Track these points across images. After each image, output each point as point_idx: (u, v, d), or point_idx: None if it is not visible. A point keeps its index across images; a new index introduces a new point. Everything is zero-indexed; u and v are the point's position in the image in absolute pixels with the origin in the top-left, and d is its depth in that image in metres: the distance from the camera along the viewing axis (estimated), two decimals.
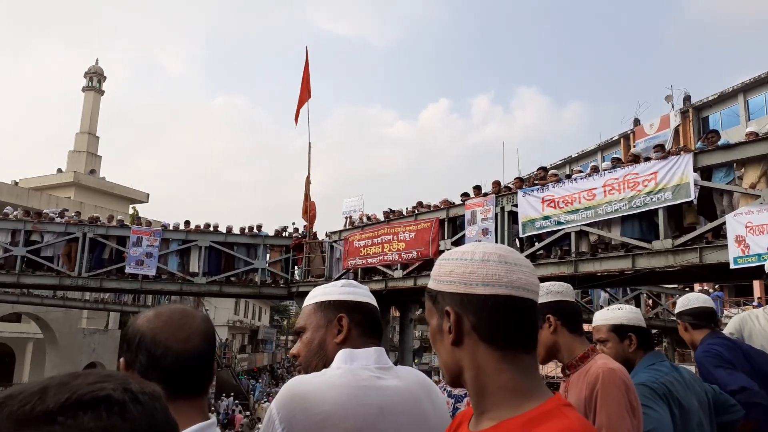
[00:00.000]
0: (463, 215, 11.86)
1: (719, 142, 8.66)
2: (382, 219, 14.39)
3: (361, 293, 1.50)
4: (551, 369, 17.78)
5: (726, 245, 7.91)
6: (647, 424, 1.88)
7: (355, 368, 1.32)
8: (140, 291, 18.48)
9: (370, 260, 13.66)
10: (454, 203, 12.52)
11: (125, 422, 0.50)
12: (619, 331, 2.24)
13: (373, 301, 1.51)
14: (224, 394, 26.20)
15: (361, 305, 1.46)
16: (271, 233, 16.22)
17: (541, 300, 1.94)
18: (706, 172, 8.71)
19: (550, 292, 2.01)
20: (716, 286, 18.64)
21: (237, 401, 26.97)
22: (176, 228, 15.98)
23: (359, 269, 14.03)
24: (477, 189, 12.16)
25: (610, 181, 9.45)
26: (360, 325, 1.43)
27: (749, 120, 22.28)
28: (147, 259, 15.19)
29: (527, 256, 10.55)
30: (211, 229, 15.97)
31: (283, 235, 16.29)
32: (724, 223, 8.08)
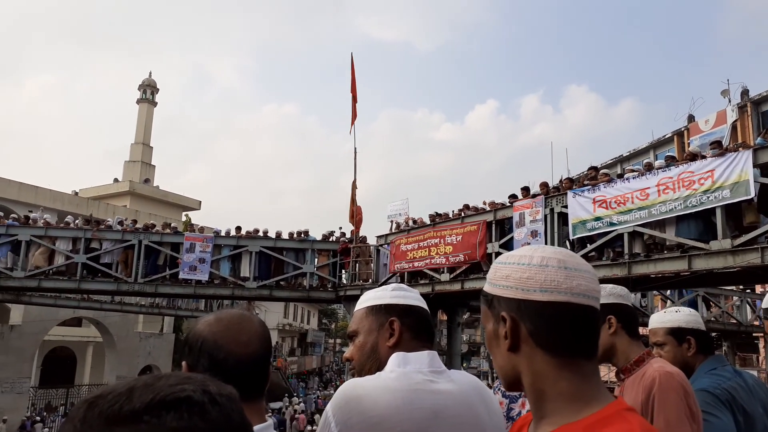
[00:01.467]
0: (511, 217, 11.72)
1: None
2: (428, 222, 14.36)
3: (412, 297, 1.50)
4: (603, 374, 17.32)
5: None
6: (710, 430, 1.82)
7: (409, 371, 1.33)
8: (193, 296, 19.02)
9: (416, 264, 13.65)
10: (502, 205, 12.38)
11: (205, 422, 0.53)
12: (678, 334, 2.18)
13: (423, 304, 1.51)
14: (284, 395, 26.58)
15: (412, 309, 1.47)
16: (319, 238, 16.43)
17: (603, 301, 1.94)
18: (766, 169, 8.34)
19: (612, 294, 1.99)
20: None
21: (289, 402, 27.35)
22: (228, 234, 16.37)
23: (406, 273, 14.03)
24: (525, 190, 11.99)
25: (664, 180, 9.16)
26: (411, 329, 1.43)
27: None
28: (200, 264, 15.61)
29: None
30: (261, 234, 16.28)
31: (330, 239, 16.47)
32: None
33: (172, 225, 17.88)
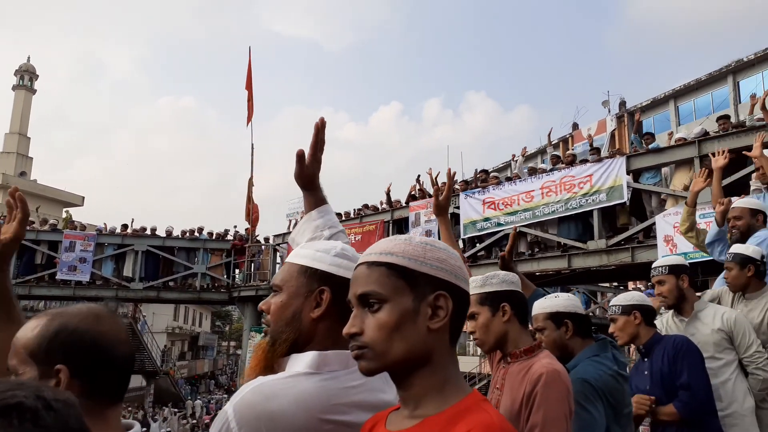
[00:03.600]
0: (407, 217, 11.93)
1: (650, 146, 9.05)
2: None
3: (354, 268, 1.39)
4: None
5: (656, 245, 8.24)
6: (581, 426, 1.89)
7: (329, 382, 1.18)
8: (73, 298, 17.62)
9: None
10: (399, 205, 12.57)
11: (38, 428, 0.50)
12: (556, 318, 2.26)
13: None
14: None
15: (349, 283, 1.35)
16: (213, 237, 15.86)
17: (497, 288, 1.98)
18: (636, 175, 9.07)
19: (505, 281, 2.00)
20: (648, 284, 19.45)
21: (176, 410, 26.21)
22: (112, 232, 15.39)
23: None
24: (421, 192, 12.25)
25: (548, 184, 9.71)
26: (341, 308, 1.23)
27: (679, 125, 23.40)
28: (80, 264, 14.58)
29: (469, 257, 10.72)
30: (149, 232, 15.46)
31: (225, 238, 15.95)
32: (654, 223, 8.42)
33: (51, 222, 16.54)
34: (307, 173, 1.69)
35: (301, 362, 1.20)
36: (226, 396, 34.56)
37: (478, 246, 10.79)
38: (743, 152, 5.33)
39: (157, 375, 28.78)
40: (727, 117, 8.71)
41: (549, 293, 2.47)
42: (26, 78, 35.93)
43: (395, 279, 0.92)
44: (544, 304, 2.30)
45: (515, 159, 13.53)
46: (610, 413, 2.02)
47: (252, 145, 16.35)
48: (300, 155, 1.66)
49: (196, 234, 15.67)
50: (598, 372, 2.07)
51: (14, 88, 35.73)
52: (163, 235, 15.46)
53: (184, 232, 15.65)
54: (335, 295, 1.25)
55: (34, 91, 36.51)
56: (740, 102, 22.38)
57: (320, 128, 1.65)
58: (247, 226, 15.83)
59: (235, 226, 16.58)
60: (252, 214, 15.58)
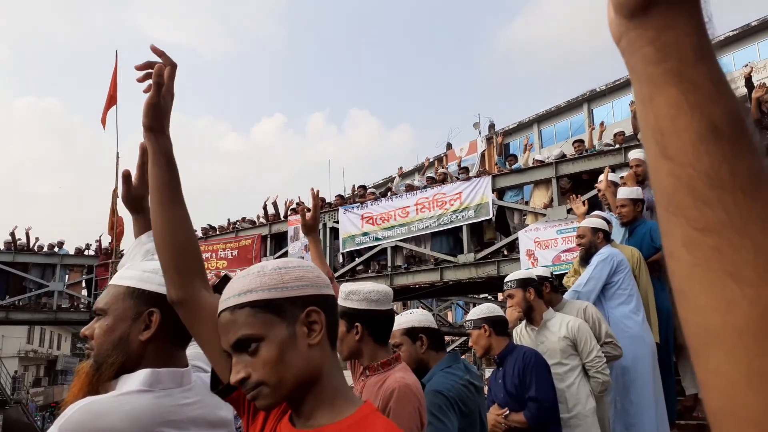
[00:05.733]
0: (286, 231, 11.81)
1: (513, 166, 9.71)
2: (200, 236, 13.75)
3: None
4: None
5: (519, 258, 8.83)
6: None
7: (163, 399, 1.16)
8: None
9: None
10: (276, 218, 12.40)
11: None
12: (411, 333, 2.34)
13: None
14: None
15: None
16: (72, 252, 14.64)
17: (355, 306, 1.98)
18: (501, 193, 9.69)
19: (365, 299, 1.99)
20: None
21: None
22: None
23: None
24: (300, 205, 12.18)
25: (421, 200, 10.08)
26: (170, 328, 1.24)
27: (542, 147, 25.31)
28: None
29: (347, 271, 10.83)
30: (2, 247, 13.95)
31: (86, 253, 14.80)
32: (517, 238, 9.02)
33: None
34: (135, 194, 1.64)
35: (133, 381, 1.18)
36: None
37: (357, 260, 10.92)
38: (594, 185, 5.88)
39: (7, 405, 25.91)
40: (581, 141, 9.57)
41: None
42: None
43: (263, 315, 0.92)
44: (400, 320, 2.38)
45: (394, 177, 13.92)
46: (464, 422, 2.13)
47: (117, 154, 15.34)
48: (126, 176, 1.62)
49: (55, 248, 14.39)
50: (449, 382, 2.18)
51: None
52: (13, 250, 14.01)
53: (40, 247, 14.31)
54: (164, 316, 1.23)
55: None
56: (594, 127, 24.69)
57: (144, 152, 1.53)
58: (111, 240, 14.80)
59: (98, 240, 15.44)
60: (116, 227, 14.59)
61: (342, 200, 11.98)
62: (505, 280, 3.35)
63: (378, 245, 10.51)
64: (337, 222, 11.09)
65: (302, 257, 11.21)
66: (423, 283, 10.24)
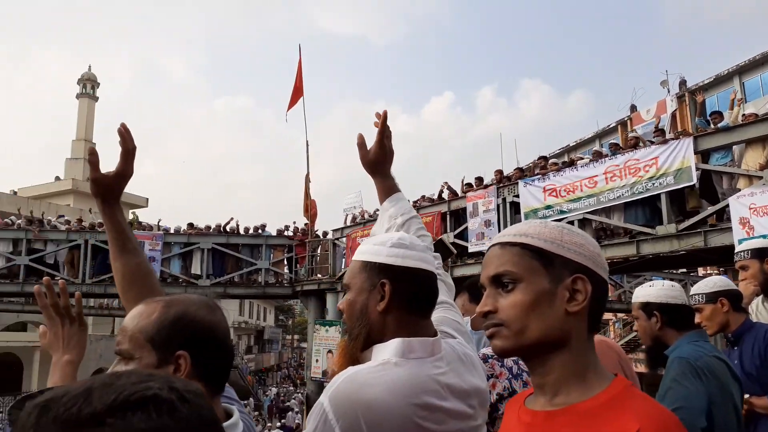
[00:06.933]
0: (465, 207, 11.86)
1: (720, 125, 8.65)
2: None
3: (413, 256, 1.30)
4: None
5: (730, 227, 7.90)
6: (675, 399, 1.87)
7: (417, 368, 1.19)
8: None
9: None
10: (456, 195, 12.50)
11: (175, 421, 0.49)
12: (646, 308, 2.23)
13: (427, 264, 1.31)
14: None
15: (411, 272, 1.28)
16: (273, 233, 16.25)
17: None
18: (705, 156, 8.70)
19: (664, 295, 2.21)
20: (720, 270, 18.65)
21: (245, 402, 27.04)
22: (178, 231, 15.99)
23: None
24: (479, 180, 12.14)
25: (611, 168, 9.44)
26: (406, 297, 1.27)
27: (745, 102, 22.22)
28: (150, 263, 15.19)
29: None
30: (214, 230, 15.98)
31: (285, 234, 16.31)
32: (727, 205, 8.07)
33: None
34: (371, 159, 1.68)
35: (386, 351, 1.22)
36: (293, 389, 35.42)
37: None
38: None
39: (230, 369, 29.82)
40: None
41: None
42: (88, 86, 37.53)
43: (530, 259, 0.91)
44: (637, 294, 2.28)
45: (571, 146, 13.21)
46: (717, 393, 1.95)
47: (307, 142, 16.60)
48: (360, 141, 1.67)
49: (260, 231, 16.10)
50: (697, 353, 2.02)
51: (78, 96, 37.42)
52: (228, 231, 15.96)
53: (247, 229, 16.11)
54: (397, 285, 1.26)
55: (96, 99, 38.13)
56: None
57: (383, 118, 1.65)
58: (306, 221, 16.12)
59: (294, 222, 16.95)
60: (310, 209, 15.85)
61: (521, 173, 11.69)
62: (736, 250, 3.01)
63: (563, 218, 10.09)
64: (517, 196, 10.84)
65: (482, 233, 11.20)
66: (616, 257, 9.63)
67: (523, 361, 0.95)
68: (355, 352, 1.29)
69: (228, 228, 16.00)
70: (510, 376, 2.00)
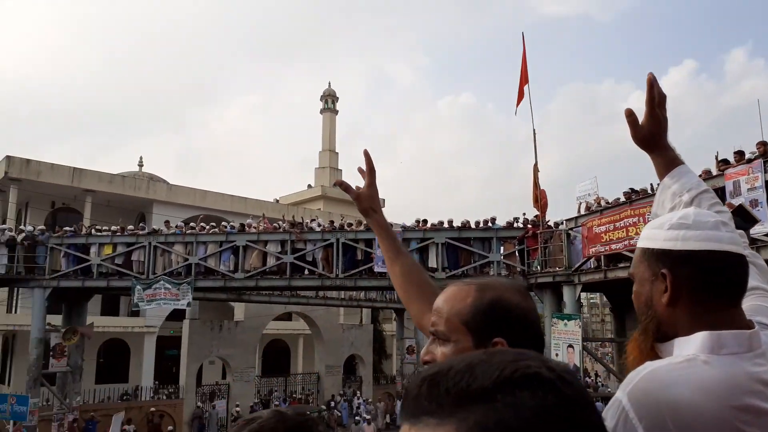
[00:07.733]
0: (723, 187, 10.46)
1: None
2: (623, 200, 13.40)
3: (698, 236, 1.07)
4: None
5: None
6: None
7: (733, 366, 0.99)
8: (388, 288, 20.06)
9: (613, 246, 12.81)
10: (709, 174, 11.11)
11: (560, 401, 0.48)
12: None
13: (722, 245, 1.07)
14: None
15: (697, 256, 1.07)
16: (503, 225, 16.27)
17: None
18: None
19: None
20: None
21: None
22: (413, 227, 16.94)
23: (602, 256, 13.26)
24: (739, 155, 10.62)
25: None
26: (697, 284, 1.07)
27: None
28: None
29: None
30: (446, 225, 16.58)
31: (515, 226, 16.20)
32: None
33: (364, 223, 18.96)
34: (643, 133, 1.52)
35: (690, 345, 1.05)
36: None
37: None
38: None
39: None
40: None
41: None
42: (329, 101, 41.84)
43: None
44: None
45: None
46: None
47: (534, 130, 16.25)
48: (628, 114, 1.52)
49: (489, 224, 16.25)
50: None
51: (321, 111, 41.95)
52: (458, 226, 16.43)
53: (477, 223, 16.38)
54: (680, 272, 1.07)
55: (336, 112, 42.30)
56: None
57: (653, 82, 1.47)
58: (536, 212, 15.79)
59: (524, 214, 16.72)
60: (540, 200, 15.48)
61: None
62: None
63: None
64: None
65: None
66: None
67: None
68: (646, 345, 1.17)
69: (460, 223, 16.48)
70: None
